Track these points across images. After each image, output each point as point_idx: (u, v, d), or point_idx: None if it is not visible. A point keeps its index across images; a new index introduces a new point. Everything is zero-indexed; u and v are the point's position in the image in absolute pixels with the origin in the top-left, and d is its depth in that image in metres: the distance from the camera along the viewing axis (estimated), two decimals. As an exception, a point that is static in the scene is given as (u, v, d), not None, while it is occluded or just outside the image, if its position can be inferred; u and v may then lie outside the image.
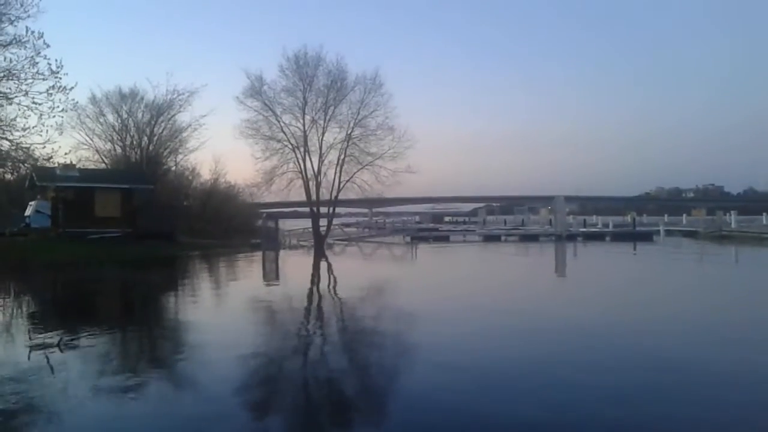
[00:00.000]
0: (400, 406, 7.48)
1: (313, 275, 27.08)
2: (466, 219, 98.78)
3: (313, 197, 42.12)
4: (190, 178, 53.16)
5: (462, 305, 16.01)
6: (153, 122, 48.36)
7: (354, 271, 28.77)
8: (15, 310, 16.77)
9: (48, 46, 26.61)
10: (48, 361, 9.66)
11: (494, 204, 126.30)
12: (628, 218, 67.54)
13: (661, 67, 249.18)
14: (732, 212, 56.27)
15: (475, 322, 13.41)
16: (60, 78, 26.81)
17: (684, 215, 71.04)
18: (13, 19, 26.37)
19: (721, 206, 67.21)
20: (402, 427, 6.77)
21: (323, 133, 41.74)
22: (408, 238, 50.93)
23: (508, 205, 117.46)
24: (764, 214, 59.01)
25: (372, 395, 8.29)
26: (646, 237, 50.07)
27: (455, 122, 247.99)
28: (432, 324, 13.30)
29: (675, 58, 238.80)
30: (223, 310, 16.71)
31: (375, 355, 10.61)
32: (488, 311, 14.99)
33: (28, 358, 9.98)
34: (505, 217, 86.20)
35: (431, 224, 73.07)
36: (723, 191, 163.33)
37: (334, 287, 22.49)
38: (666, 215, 75.99)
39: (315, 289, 21.75)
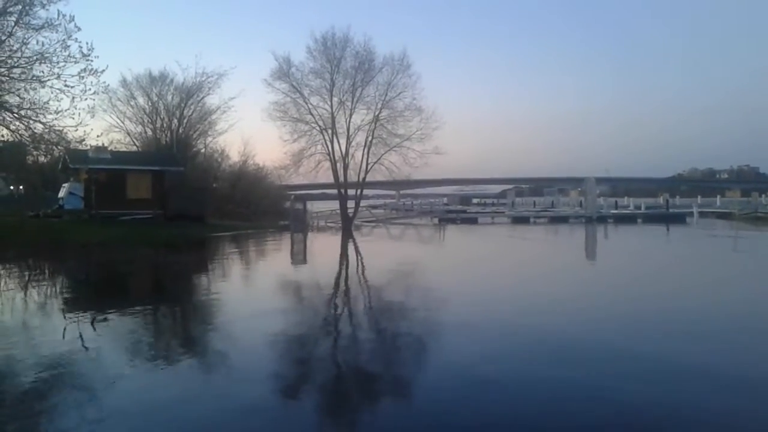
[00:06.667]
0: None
1: (342, 256, 27.14)
2: (495, 201, 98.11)
3: (341, 179, 42.10)
4: (220, 160, 53.69)
5: (493, 287, 15.92)
6: (182, 105, 48.81)
7: (382, 253, 28.72)
8: (64, 288, 17.07)
9: (79, 29, 26.95)
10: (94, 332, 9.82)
11: (523, 186, 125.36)
12: (661, 200, 66.40)
13: (696, 47, 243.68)
14: (768, 193, 55.01)
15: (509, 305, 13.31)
16: (91, 61, 27.18)
17: (718, 196, 69.68)
18: (45, 2, 26.70)
19: (757, 187, 65.83)
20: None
21: (351, 115, 41.67)
22: (435, 220, 50.79)
23: (538, 186, 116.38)
24: (802, 195, 57.55)
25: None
26: (679, 219, 49.23)
27: (484, 103, 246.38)
28: (464, 305, 13.25)
29: (710, 38, 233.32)
30: (258, 290, 16.83)
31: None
32: (520, 291, 14.88)
33: (93, 327, 10.16)
34: (535, 199, 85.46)
35: (459, 206, 72.68)
36: (758, 172, 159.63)
37: (364, 269, 22.47)
38: (699, 197, 74.70)
39: (345, 270, 21.78)
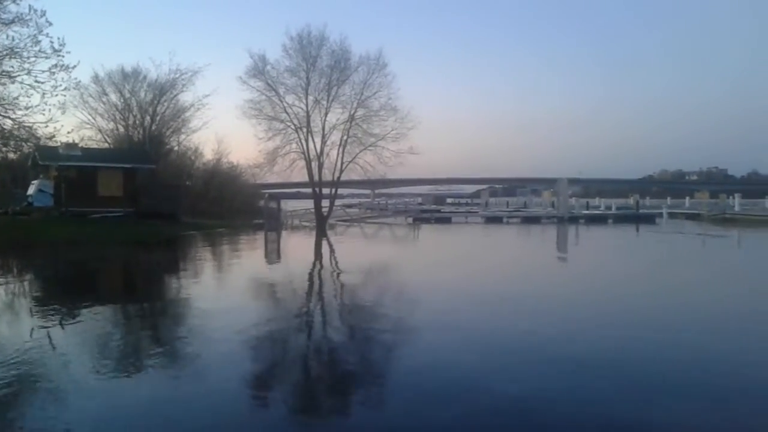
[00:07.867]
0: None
1: (315, 256, 27.15)
2: (469, 201, 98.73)
3: (316, 178, 42.07)
4: (193, 158, 53.15)
5: (464, 282, 16.15)
6: (156, 102, 48.18)
7: (355, 251, 28.80)
8: (27, 287, 16.84)
9: (50, 24, 26.68)
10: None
11: (497, 186, 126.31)
12: (631, 201, 67.44)
13: (665, 51, 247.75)
14: (736, 195, 56.18)
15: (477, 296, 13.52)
16: (62, 56, 26.93)
17: (687, 198, 70.89)
18: (16, -4, 26.29)
19: (725, 189, 67.01)
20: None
21: (326, 114, 41.63)
22: (410, 220, 51.03)
23: (511, 187, 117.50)
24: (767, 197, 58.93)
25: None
26: (649, 219, 50.20)
27: (459, 103, 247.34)
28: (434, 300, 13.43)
29: (681, 43, 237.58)
30: (229, 288, 16.86)
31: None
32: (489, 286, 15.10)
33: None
34: (508, 199, 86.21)
35: (433, 206, 73.00)
36: (726, 174, 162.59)
37: (337, 266, 22.53)
38: (669, 198, 75.96)
39: (318, 267, 21.83)
